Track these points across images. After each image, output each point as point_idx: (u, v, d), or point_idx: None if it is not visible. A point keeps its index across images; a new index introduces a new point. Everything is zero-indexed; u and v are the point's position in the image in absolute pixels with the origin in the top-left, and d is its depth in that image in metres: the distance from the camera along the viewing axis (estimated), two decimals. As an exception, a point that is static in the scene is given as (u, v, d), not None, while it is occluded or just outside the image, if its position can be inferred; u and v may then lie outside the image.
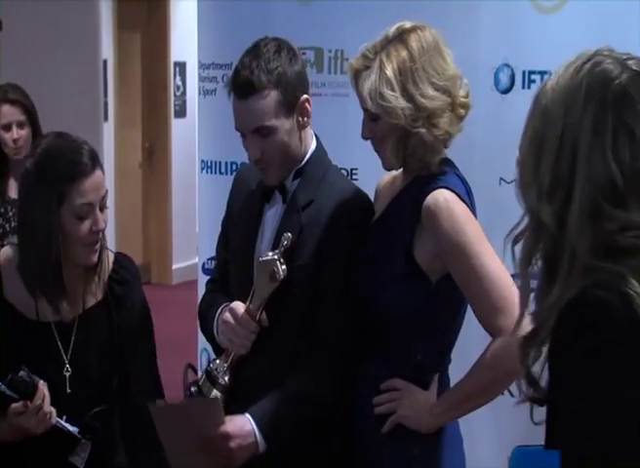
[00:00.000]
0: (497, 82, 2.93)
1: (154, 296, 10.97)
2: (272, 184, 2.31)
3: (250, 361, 2.29)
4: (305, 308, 2.26)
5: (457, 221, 2.14)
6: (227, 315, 2.26)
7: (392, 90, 2.15)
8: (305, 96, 2.28)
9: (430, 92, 2.17)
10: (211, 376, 2.30)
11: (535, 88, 2.90)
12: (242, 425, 2.20)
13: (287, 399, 2.23)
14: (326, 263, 2.24)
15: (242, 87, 2.23)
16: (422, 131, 2.16)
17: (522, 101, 2.93)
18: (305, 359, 2.25)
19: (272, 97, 2.23)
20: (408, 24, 2.21)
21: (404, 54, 2.17)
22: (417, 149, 2.18)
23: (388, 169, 2.28)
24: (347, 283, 2.23)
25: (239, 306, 2.26)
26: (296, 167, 2.31)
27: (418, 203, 2.16)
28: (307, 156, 2.32)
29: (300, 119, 2.28)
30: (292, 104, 2.25)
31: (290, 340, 2.28)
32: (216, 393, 2.29)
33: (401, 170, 2.30)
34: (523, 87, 2.90)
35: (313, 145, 2.34)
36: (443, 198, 2.14)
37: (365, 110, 2.20)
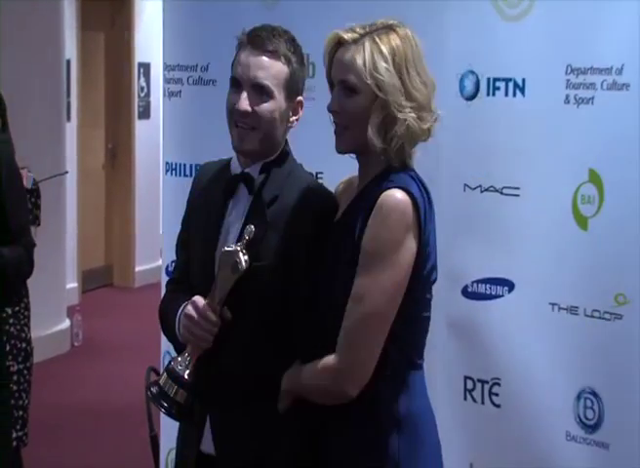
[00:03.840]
0: (462, 88, 2.95)
1: (116, 299, 10.93)
2: (241, 149, 2.31)
3: (214, 359, 2.29)
4: (269, 306, 2.27)
5: (386, 226, 2.11)
6: (189, 308, 2.26)
7: (387, 65, 2.15)
8: (301, 98, 2.34)
9: (419, 84, 2.18)
10: (173, 374, 2.28)
11: (499, 95, 2.95)
12: None
13: None
14: (292, 266, 2.24)
15: (263, 42, 2.27)
16: (411, 118, 2.16)
17: (486, 108, 2.99)
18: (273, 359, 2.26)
19: (284, 70, 2.28)
20: (394, 20, 2.22)
21: (397, 41, 2.18)
22: (400, 136, 2.17)
23: (344, 150, 2.23)
24: (313, 286, 2.23)
25: (200, 300, 2.26)
26: (266, 158, 2.32)
27: (373, 201, 2.14)
28: (277, 153, 2.34)
29: (291, 114, 2.32)
30: (292, 94, 2.31)
31: (253, 338, 2.28)
32: (179, 390, 2.27)
33: (355, 175, 2.29)
34: (488, 94, 2.92)
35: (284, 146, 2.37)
36: (395, 198, 2.13)
37: (343, 82, 2.18)
